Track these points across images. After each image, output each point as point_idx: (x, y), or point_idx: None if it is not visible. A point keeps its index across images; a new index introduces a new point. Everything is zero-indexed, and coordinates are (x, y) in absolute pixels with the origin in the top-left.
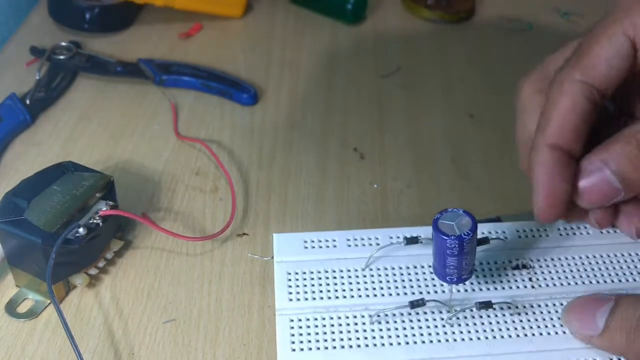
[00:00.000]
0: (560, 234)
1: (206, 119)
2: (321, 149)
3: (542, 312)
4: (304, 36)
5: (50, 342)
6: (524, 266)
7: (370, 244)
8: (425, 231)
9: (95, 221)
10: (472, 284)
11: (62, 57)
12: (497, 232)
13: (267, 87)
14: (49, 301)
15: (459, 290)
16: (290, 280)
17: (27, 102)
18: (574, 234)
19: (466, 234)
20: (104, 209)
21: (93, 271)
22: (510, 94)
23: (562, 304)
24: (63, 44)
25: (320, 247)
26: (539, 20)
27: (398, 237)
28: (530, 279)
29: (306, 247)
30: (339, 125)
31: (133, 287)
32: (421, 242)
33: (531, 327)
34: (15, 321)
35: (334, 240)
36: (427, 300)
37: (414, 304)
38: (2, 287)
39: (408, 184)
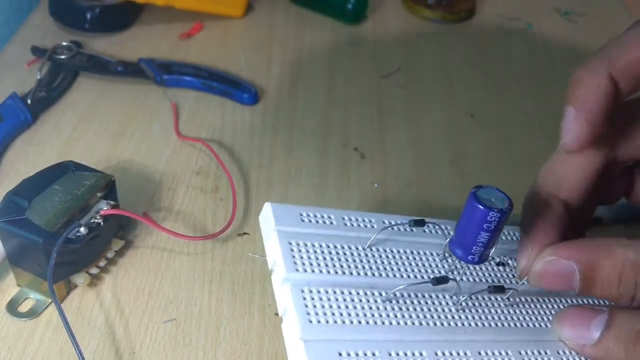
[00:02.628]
0: None
1: (207, 118)
2: (322, 149)
3: (536, 306)
4: (305, 36)
5: (52, 342)
6: (504, 264)
7: (366, 226)
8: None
9: (96, 220)
10: (465, 275)
11: (63, 56)
12: None
13: (267, 86)
14: (50, 300)
15: (461, 279)
16: (293, 250)
17: (28, 101)
18: None
19: (507, 208)
20: (105, 208)
21: (94, 270)
22: (510, 93)
23: (550, 300)
24: (64, 43)
25: (317, 222)
26: (539, 20)
27: (391, 222)
28: (514, 275)
29: (303, 221)
30: (340, 125)
31: (134, 286)
32: (426, 228)
33: (530, 318)
34: (17, 320)
35: (330, 217)
36: (450, 279)
37: (438, 280)
38: (3, 286)
39: (408, 184)
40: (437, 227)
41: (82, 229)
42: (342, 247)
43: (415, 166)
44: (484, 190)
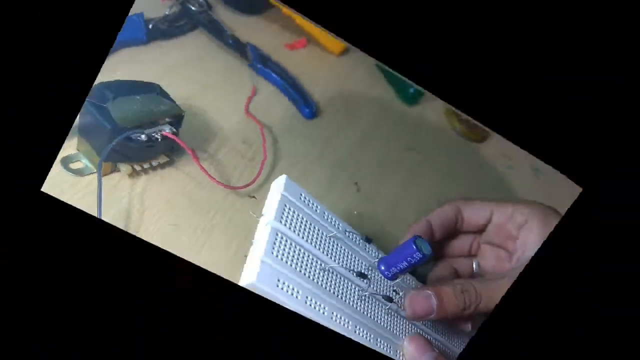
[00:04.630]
0: None
1: (270, 111)
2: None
3: (403, 322)
4: (369, 94)
5: (81, 200)
6: (396, 292)
7: (337, 227)
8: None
9: (156, 136)
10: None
11: (193, 8)
12: None
13: (325, 109)
14: (95, 170)
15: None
16: (285, 211)
17: (150, 26)
18: None
19: (427, 255)
20: (167, 131)
21: (137, 167)
22: None
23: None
24: None
25: (307, 204)
26: None
27: (349, 232)
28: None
29: (300, 198)
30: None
31: (159, 192)
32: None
33: (395, 326)
34: (65, 172)
35: (317, 207)
36: (367, 277)
37: (360, 275)
38: (66, 144)
39: None
40: (375, 249)
41: (143, 136)
42: (318, 230)
43: None
44: (420, 240)
